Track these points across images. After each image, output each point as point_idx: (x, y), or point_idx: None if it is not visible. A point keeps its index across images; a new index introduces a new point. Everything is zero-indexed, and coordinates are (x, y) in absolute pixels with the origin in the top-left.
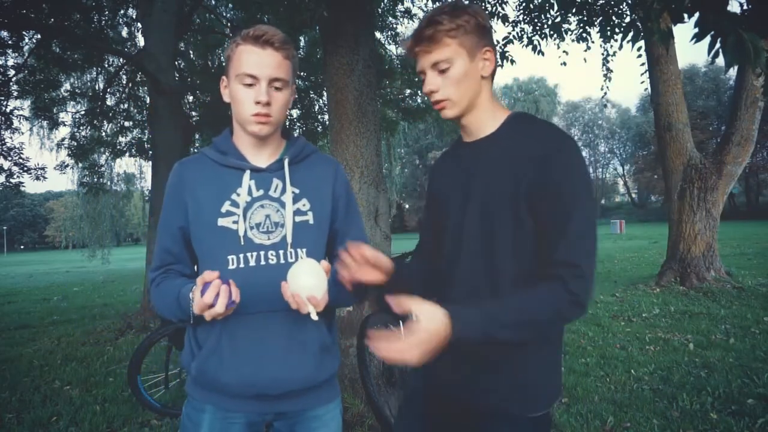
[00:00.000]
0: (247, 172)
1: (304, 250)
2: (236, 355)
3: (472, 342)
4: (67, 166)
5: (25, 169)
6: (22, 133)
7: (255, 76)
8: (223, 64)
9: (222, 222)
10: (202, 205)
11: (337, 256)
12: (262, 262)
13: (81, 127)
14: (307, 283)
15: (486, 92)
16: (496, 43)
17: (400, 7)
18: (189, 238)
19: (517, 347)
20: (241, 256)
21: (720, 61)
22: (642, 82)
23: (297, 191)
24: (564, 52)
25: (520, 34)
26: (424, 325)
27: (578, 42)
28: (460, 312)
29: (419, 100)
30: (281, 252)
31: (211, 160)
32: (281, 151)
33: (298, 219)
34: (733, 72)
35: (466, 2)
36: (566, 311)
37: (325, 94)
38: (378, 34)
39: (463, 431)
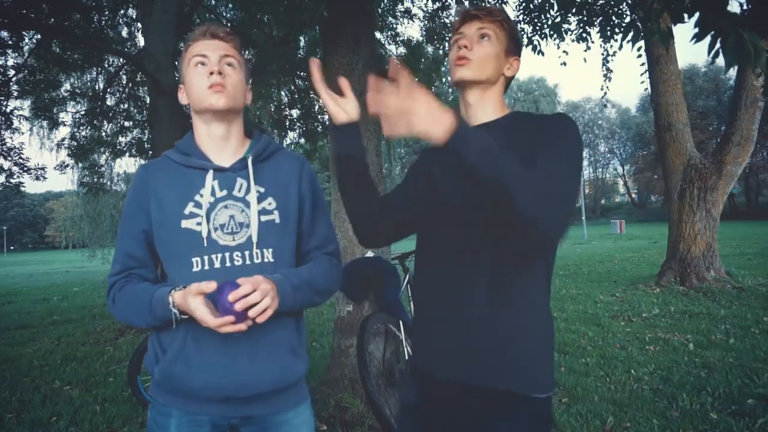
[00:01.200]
0: (210, 172)
1: (271, 250)
2: (203, 358)
3: (469, 145)
4: (67, 166)
5: (25, 169)
6: (22, 133)
7: (205, 55)
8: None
9: (185, 224)
10: (166, 208)
11: (305, 254)
12: (228, 264)
13: (81, 127)
14: None
15: (500, 88)
16: None
17: (400, 7)
18: (152, 241)
19: (516, 329)
20: (206, 257)
21: (720, 61)
22: (642, 82)
23: (262, 190)
24: (564, 52)
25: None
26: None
27: (578, 42)
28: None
29: None
30: (247, 253)
31: (174, 162)
32: (245, 149)
33: (264, 218)
34: (733, 72)
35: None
36: (537, 192)
37: None
38: (378, 34)
39: (472, 418)
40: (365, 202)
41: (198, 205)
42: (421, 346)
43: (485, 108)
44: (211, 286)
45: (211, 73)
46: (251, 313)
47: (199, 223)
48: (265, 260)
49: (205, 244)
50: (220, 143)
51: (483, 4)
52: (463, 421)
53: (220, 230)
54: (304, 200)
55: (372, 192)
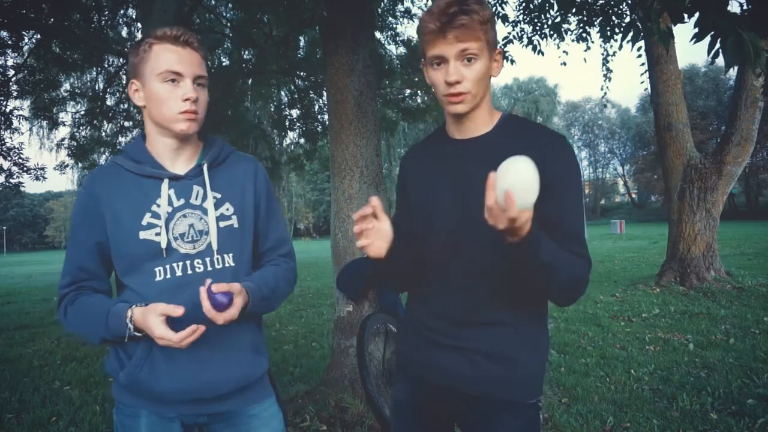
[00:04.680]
0: (166, 181)
1: (231, 254)
2: (168, 363)
3: (535, 251)
4: (67, 166)
5: (25, 169)
6: (22, 133)
7: (180, 73)
8: (128, 68)
9: (144, 235)
10: (122, 219)
11: (261, 255)
12: (189, 271)
13: (81, 127)
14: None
15: (489, 93)
16: None
17: (400, 7)
18: (107, 253)
19: (524, 341)
20: (168, 267)
21: (720, 61)
22: (642, 82)
23: (219, 196)
24: (564, 52)
25: (520, 34)
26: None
27: (578, 42)
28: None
29: (419, 100)
30: (207, 259)
31: (125, 170)
32: (198, 155)
33: (222, 224)
34: (733, 72)
35: None
36: (582, 284)
37: (325, 94)
38: (378, 34)
39: (468, 422)
40: (413, 268)
41: (156, 216)
42: (414, 350)
43: (478, 120)
44: (179, 311)
45: (186, 99)
46: (220, 318)
47: (158, 234)
48: (226, 265)
49: (164, 255)
50: (175, 152)
51: None
52: (456, 419)
53: (180, 239)
54: (259, 202)
55: (411, 259)
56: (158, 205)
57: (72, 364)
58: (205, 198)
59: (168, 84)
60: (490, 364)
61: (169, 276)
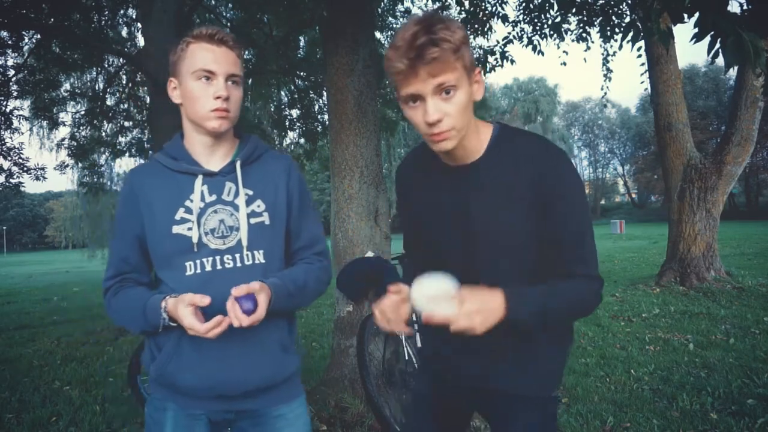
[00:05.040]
0: (199, 177)
1: (262, 251)
2: (196, 357)
3: (524, 317)
4: (67, 166)
5: (25, 169)
6: (22, 133)
7: (213, 72)
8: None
9: (176, 229)
10: (156, 213)
11: (294, 254)
12: (219, 267)
13: (81, 127)
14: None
15: (472, 116)
16: (496, 43)
17: (400, 7)
18: (146, 246)
19: (534, 339)
20: (198, 261)
21: (720, 61)
22: (642, 82)
23: (251, 193)
24: (564, 52)
25: (520, 34)
26: (476, 296)
27: (578, 42)
28: (514, 290)
29: None
30: (237, 255)
31: (163, 166)
32: (234, 152)
33: (253, 221)
34: (733, 72)
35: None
36: (590, 304)
37: (325, 94)
38: (378, 34)
39: (483, 415)
40: None
41: (188, 211)
42: (429, 348)
43: (468, 147)
44: (205, 300)
45: (218, 98)
46: (245, 320)
47: (190, 228)
48: (256, 261)
49: (196, 249)
50: (211, 149)
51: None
52: (473, 412)
53: (211, 234)
54: (291, 200)
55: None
56: (191, 200)
57: (72, 364)
58: (237, 194)
59: (201, 82)
60: (500, 361)
61: (198, 271)
